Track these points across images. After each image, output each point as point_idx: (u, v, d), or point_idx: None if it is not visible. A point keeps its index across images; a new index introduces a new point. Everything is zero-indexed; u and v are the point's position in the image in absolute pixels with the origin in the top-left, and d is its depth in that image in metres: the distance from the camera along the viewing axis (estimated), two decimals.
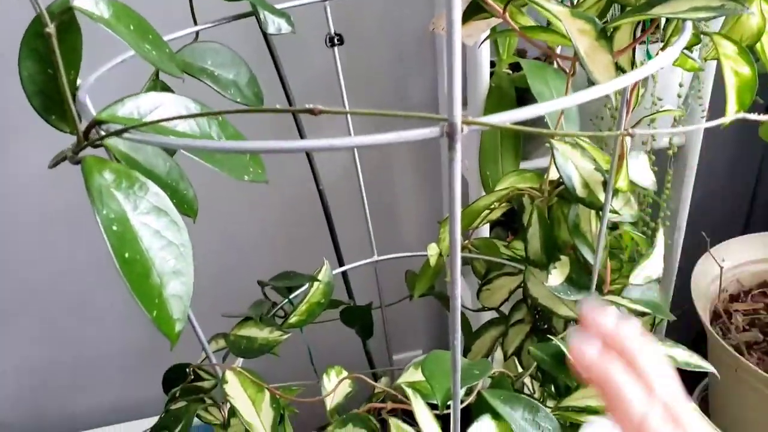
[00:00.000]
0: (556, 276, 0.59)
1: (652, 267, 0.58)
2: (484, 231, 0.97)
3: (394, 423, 0.40)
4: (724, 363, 0.85)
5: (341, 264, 0.87)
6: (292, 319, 0.62)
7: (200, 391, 0.56)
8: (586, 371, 0.34)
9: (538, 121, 0.91)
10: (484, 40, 0.73)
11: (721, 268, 0.98)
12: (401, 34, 1.00)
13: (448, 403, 0.36)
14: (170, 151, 0.44)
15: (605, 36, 0.39)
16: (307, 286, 0.64)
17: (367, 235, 0.79)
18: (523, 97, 0.86)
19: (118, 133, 0.28)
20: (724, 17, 0.39)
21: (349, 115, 0.74)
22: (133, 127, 0.28)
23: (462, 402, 0.41)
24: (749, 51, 0.40)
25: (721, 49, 0.40)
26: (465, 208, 0.71)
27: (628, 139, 0.56)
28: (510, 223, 1.04)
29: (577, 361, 0.34)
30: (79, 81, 0.36)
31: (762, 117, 0.31)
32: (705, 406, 1.05)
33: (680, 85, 0.85)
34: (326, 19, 0.65)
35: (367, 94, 1.04)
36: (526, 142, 0.92)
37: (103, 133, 0.30)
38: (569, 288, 0.58)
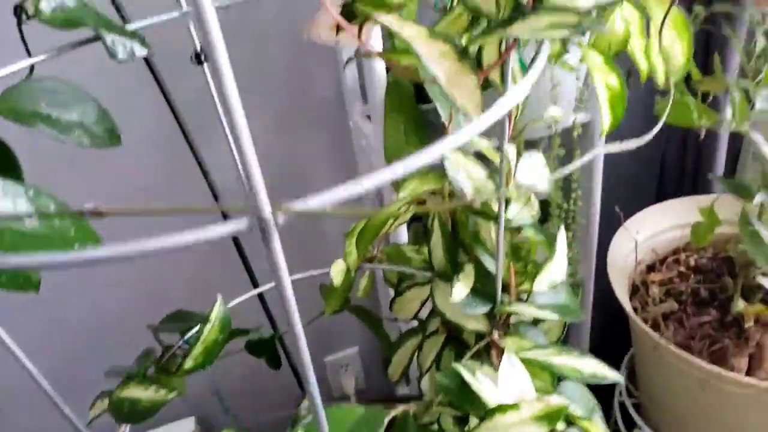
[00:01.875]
0: (460, 289, 0.56)
1: (555, 271, 0.56)
2: (402, 230, 0.94)
3: None
4: (643, 341, 0.86)
5: (255, 284, 0.83)
6: (188, 364, 0.58)
7: None
8: None
9: (437, 117, 0.88)
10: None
11: (636, 241, 0.99)
12: (296, 30, 0.95)
13: None
14: None
15: (468, 56, 0.35)
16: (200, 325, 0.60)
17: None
18: (424, 90, 0.83)
19: None
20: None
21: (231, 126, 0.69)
22: None
23: None
24: (619, 59, 0.38)
25: (590, 61, 0.37)
26: (371, 219, 0.68)
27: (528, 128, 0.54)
28: (424, 219, 1.02)
29: None
30: None
31: (621, 147, 0.29)
32: (632, 375, 1.07)
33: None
34: (192, 35, 0.59)
35: (269, 89, 0.99)
36: (432, 131, 0.90)
37: None
38: (474, 300, 0.56)
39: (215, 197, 0.80)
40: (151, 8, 0.60)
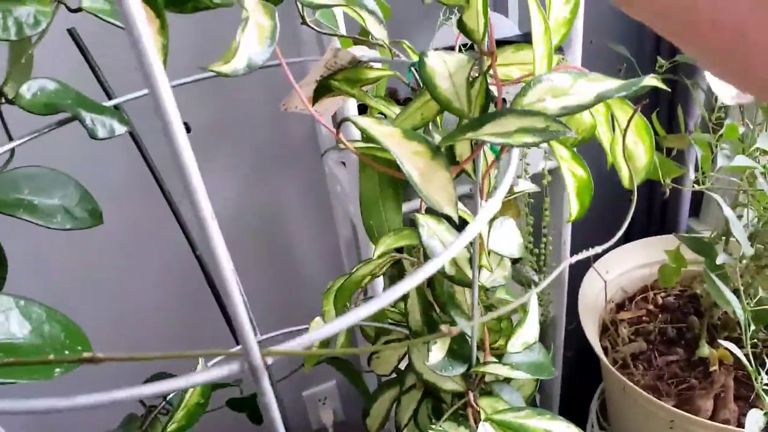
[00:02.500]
0: (437, 351, 0.58)
1: (527, 333, 0.58)
2: (379, 283, 0.96)
3: None
4: (612, 381, 0.88)
5: (237, 340, 0.83)
6: (171, 427, 0.58)
7: None
8: None
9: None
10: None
11: (605, 281, 1.01)
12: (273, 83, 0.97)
13: None
14: None
15: (441, 154, 0.37)
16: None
17: (250, 314, 0.76)
18: None
19: None
20: None
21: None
22: None
23: None
24: (586, 146, 0.40)
25: (557, 153, 0.39)
26: (347, 278, 0.69)
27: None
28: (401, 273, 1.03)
29: None
30: None
31: (584, 255, 0.31)
32: (604, 410, 1.09)
33: None
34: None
35: (248, 139, 1.00)
36: (407, 185, 0.92)
37: None
38: (450, 362, 0.58)
39: (194, 251, 0.81)
40: (135, 79, 0.61)
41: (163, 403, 0.63)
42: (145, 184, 0.86)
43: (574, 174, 0.39)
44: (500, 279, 0.60)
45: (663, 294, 1.06)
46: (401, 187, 0.87)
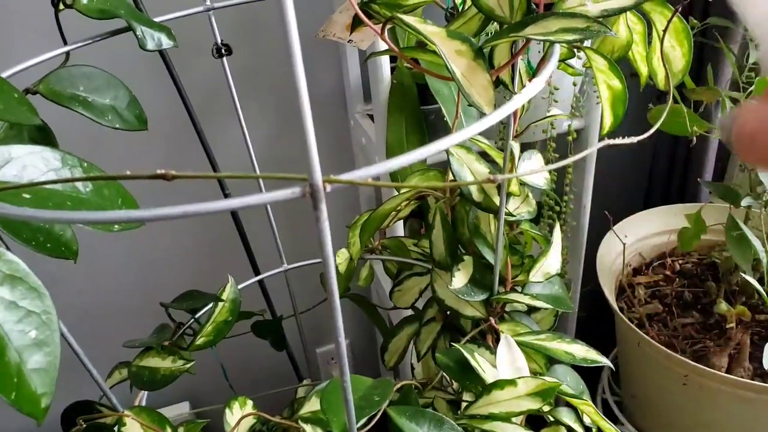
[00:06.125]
0: (460, 278, 0.59)
1: (550, 264, 0.60)
2: (399, 226, 0.97)
3: None
4: (627, 337, 0.90)
5: (257, 273, 0.85)
6: (199, 341, 0.61)
7: (103, 428, 0.54)
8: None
9: (438, 118, 0.92)
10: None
11: (624, 244, 1.02)
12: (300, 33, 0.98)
13: None
14: None
15: (483, 56, 0.39)
16: (212, 304, 0.62)
17: (278, 242, 0.78)
18: (426, 92, 0.87)
19: None
20: None
21: (244, 126, 0.73)
22: None
23: (364, 428, 0.41)
24: (619, 64, 0.41)
25: (594, 63, 0.41)
26: (373, 212, 0.71)
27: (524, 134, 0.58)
28: (424, 215, 1.05)
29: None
30: None
31: (622, 141, 0.32)
32: (616, 373, 1.11)
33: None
34: (212, 29, 0.62)
35: (273, 88, 1.02)
36: (431, 134, 0.93)
37: None
38: (472, 289, 0.59)
39: (224, 192, 0.83)
40: (168, 3, 0.63)
41: (192, 320, 0.66)
42: (176, 123, 0.89)
43: (609, 86, 0.41)
44: (525, 213, 0.62)
45: (681, 261, 1.07)
46: (426, 134, 0.89)
